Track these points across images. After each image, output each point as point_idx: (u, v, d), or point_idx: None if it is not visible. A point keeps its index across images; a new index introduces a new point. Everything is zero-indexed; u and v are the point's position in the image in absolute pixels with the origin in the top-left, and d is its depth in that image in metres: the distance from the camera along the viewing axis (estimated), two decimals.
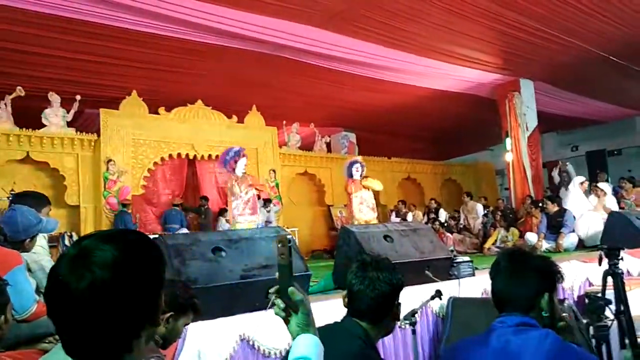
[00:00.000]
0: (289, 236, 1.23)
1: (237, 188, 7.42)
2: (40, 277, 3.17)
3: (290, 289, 1.17)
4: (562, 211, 8.23)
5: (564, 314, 1.80)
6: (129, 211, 9.60)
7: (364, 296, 1.82)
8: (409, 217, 11.81)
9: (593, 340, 2.74)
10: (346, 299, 1.88)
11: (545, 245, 7.98)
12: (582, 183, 9.10)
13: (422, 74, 10.84)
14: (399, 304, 1.88)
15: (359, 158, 9.16)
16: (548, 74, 11.44)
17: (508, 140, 11.87)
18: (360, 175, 8.62)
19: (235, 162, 7.57)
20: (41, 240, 3.37)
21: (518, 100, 11.70)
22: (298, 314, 1.17)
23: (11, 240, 2.85)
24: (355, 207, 8.40)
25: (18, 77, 9.11)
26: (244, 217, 7.33)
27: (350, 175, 8.61)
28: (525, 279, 1.76)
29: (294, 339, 1.17)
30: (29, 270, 3.04)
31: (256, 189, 7.80)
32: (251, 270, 3.36)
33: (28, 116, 9.27)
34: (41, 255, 3.29)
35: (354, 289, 1.85)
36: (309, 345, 1.14)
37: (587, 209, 8.42)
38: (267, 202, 10.91)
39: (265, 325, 2.99)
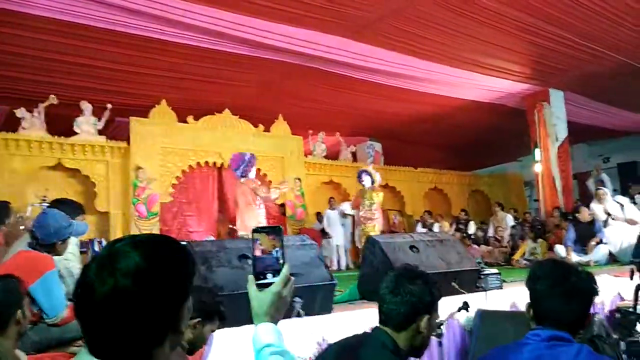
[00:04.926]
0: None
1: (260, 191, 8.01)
2: (69, 283, 3.23)
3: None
4: (592, 222, 8.09)
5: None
6: None
7: (391, 304, 1.81)
8: (435, 227, 11.69)
9: (624, 356, 2.68)
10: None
11: (575, 257, 7.81)
12: (596, 194, 8.81)
13: (450, 84, 10.76)
14: (430, 318, 1.81)
15: (368, 168, 9.12)
16: (578, 84, 11.25)
17: (537, 151, 11.69)
18: (372, 183, 8.63)
19: (252, 166, 8.13)
20: (73, 247, 3.43)
21: (547, 110, 11.53)
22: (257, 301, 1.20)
23: (43, 243, 2.90)
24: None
25: (51, 85, 9.30)
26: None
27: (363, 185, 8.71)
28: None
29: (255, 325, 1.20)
30: (60, 276, 3.10)
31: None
32: None
33: (60, 124, 9.47)
34: (72, 262, 3.35)
35: (385, 299, 1.84)
36: (269, 332, 1.18)
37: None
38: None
39: (290, 334, 2.99)
